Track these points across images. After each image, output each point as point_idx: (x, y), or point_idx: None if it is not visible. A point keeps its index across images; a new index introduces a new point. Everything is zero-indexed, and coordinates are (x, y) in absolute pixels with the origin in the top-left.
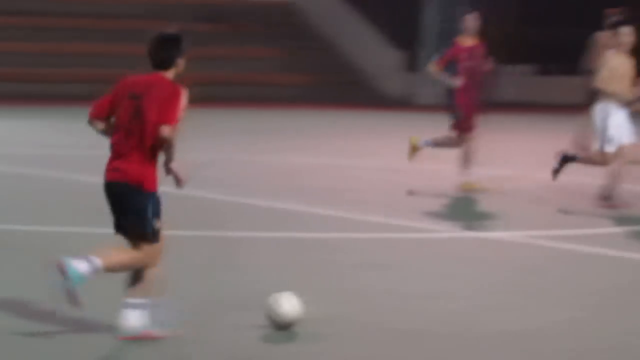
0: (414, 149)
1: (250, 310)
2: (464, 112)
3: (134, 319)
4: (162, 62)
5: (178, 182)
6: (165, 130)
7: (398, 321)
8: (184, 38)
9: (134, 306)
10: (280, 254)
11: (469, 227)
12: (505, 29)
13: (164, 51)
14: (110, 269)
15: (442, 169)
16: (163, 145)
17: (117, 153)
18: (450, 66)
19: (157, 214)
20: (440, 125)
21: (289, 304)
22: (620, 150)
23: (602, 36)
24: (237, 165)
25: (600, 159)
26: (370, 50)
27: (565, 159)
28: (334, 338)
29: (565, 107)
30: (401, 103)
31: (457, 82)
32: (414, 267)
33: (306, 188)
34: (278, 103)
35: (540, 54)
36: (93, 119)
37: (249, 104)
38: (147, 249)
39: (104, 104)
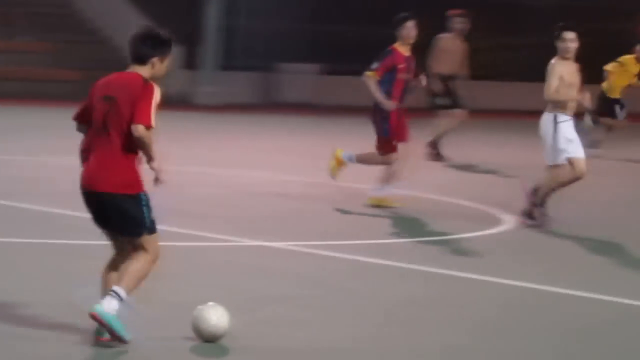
0: (339, 163)
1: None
2: (390, 134)
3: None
4: (137, 57)
5: (157, 181)
6: (139, 130)
7: (177, 333)
8: (166, 41)
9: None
10: (43, 261)
11: (252, 237)
12: (294, 25)
13: (139, 47)
14: (133, 287)
15: (227, 174)
16: (139, 144)
17: (93, 157)
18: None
19: (150, 209)
20: (222, 126)
21: (217, 316)
22: (573, 164)
23: (443, 39)
24: (1, 165)
25: (555, 176)
26: None
27: (534, 204)
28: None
29: (353, 109)
30: (180, 102)
31: (392, 105)
32: (191, 277)
33: (77, 191)
34: (49, 99)
35: (328, 52)
36: (75, 121)
37: (19, 100)
38: (150, 243)
39: (81, 107)
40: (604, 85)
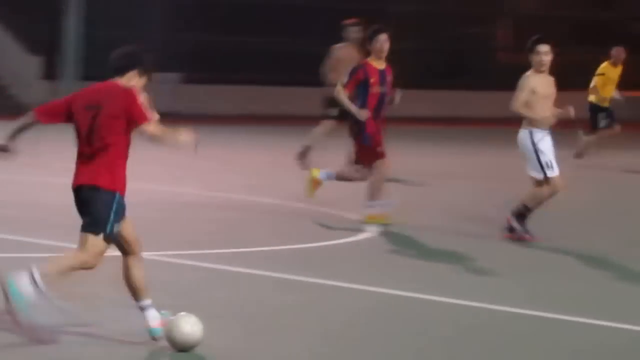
0: (315, 183)
1: None
2: (372, 142)
3: (154, 318)
4: (116, 68)
5: (194, 147)
6: (147, 130)
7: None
8: (142, 56)
9: (150, 307)
10: None
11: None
12: (154, 35)
13: (120, 60)
14: (58, 275)
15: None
16: (155, 141)
17: (82, 161)
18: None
19: (118, 216)
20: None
21: (190, 326)
22: (549, 181)
23: (339, 49)
24: None
25: (549, 190)
26: (6, 56)
27: (521, 216)
28: None
29: (213, 118)
30: None
31: (365, 115)
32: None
33: None
34: None
35: (189, 61)
36: (40, 121)
37: None
38: (95, 246)
39: (50, 109)
40: (593, 98)
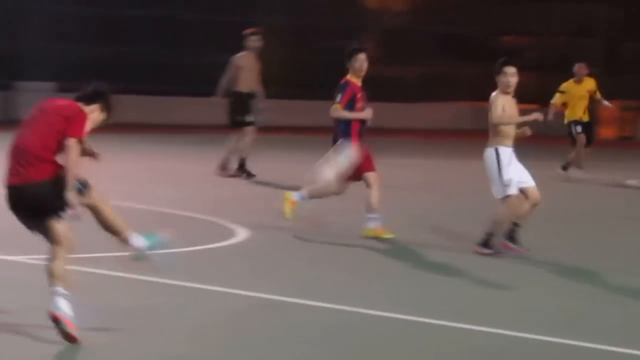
0: (291, 204)
1: None
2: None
3: (60, 302)
4: (85, 96)
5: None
6: (72, 144)
7: None
8: (109, 96)
9: (62, 295)
10: None
11: None
12: (31, 44)
13: (92, 92)
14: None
15: None
16: (66, 156)
17: (17, 158)
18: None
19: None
20: None
21: None
22: (526, 193)
23: (240, 58)
24: None
25: (509, 208)
26: None
27: (488, 237)
28: None
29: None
30: None
31: (370, 113)
32: None
33: None
34: None
35: (64, 71)
36: None
37: None
38: (64, 230)
39: None
40: (566, 114)
